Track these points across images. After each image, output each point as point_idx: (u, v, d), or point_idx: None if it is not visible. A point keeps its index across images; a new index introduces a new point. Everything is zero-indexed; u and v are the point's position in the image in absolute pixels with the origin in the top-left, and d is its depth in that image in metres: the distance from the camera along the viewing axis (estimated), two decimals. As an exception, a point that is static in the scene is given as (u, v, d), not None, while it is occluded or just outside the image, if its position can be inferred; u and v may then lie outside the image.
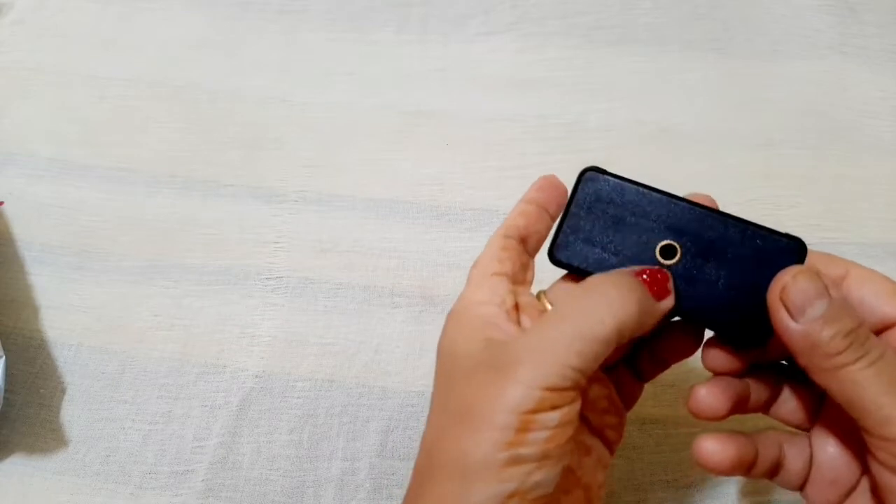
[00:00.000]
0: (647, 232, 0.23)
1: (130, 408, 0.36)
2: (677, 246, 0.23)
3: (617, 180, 0.24)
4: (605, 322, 0.21)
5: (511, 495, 0.20)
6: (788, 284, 0.21)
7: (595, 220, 0.24)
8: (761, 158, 0.44)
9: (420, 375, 0.37)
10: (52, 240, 0.42)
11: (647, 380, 0.27)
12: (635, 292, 0.21)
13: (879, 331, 0.22)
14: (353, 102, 0.47)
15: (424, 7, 0.51)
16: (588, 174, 0.25)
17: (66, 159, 0.45)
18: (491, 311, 0.23)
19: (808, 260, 0.23)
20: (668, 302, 0.22)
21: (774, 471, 0.24)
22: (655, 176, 0.43)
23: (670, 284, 0.23)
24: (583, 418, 0.24)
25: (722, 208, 0.43)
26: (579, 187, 0.25)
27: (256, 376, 0.37)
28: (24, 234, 0.42)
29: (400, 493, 0.27)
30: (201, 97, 0.47)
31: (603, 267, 0.24)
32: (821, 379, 0.21)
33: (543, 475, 0.20)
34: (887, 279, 0.23)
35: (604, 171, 0.25)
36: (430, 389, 0.26)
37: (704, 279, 0.22)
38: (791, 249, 0.22)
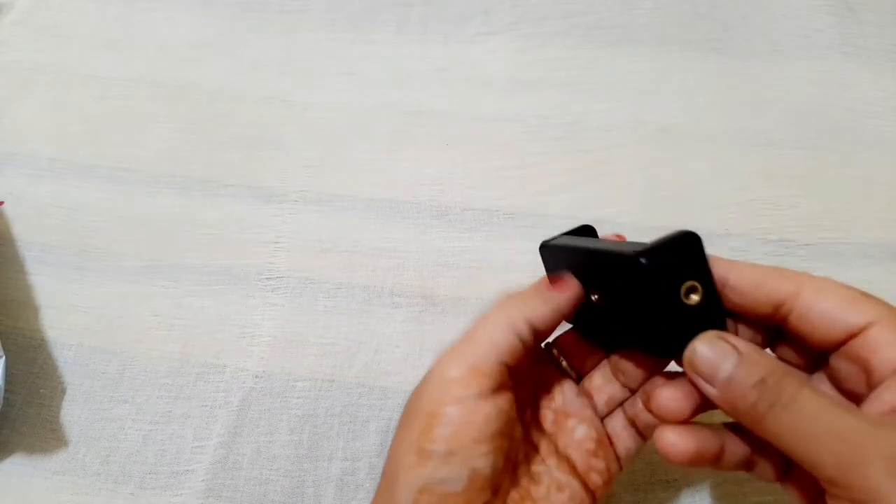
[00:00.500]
0: (583, 279, 0.26)
1: (130, 408, 0.36)
2: (598, 293, 0.25)
3: (557, 245, 0.28)
4: (476, 343, 0.24)
5: (420, 490, 0.21)
6: (691, 358, 0.22)
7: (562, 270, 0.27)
8: (761, 158, 0.44)
9: (420, 375, 0.37)
10: (52, 240, 0.42)
11: (646, 438, 0.27)
12: (493, 321, 0.24)
13: (845, 340, 0.22)
14: (353, 102, 0.47)
15: (424, 7, 0.51)
16: (541, 248, 0.29)
17: (67, 159, 0.45)
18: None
19: (758, 275, 0.23)
20: (561, 294, 0.25)
21: (749, 464, 0.24)
22: (655, 176, 0.43)
23: (566, 285, 0.25)
24: (564, 457, 0.26)
25: (721, 208, 0.43)
26: (543, 259, 0.29)
27: (256, 376, 0.37)
28: (24, 234, 0.42)
29: (400, 493, 0.27)
30: (201, 97, 0.47)
31: None
32: (757, 432, 0.21)
33: (447, 472, 0.21)
34: (843, 287, 0.22)
35: (547, 242, 0.28)
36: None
37: (622, 309, 0.24)
38: (639, 267, 0.22)
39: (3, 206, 0.43)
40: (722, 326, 0.23)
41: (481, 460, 0.22)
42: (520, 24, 0.50)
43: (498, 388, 0.23)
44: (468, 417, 0.22)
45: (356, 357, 0.38)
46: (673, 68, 0.48)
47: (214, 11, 0.51)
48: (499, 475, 0.23)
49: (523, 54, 0.49)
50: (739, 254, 0.40)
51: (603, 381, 0.28)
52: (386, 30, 0.50)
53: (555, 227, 0.41)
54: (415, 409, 0.23)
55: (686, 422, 0.23)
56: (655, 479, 0.34)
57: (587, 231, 0.28)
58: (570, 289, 0.25)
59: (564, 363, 0.28)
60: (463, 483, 0.22)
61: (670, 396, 0.23)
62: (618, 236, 0.27)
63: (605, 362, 0.28)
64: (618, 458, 0.27)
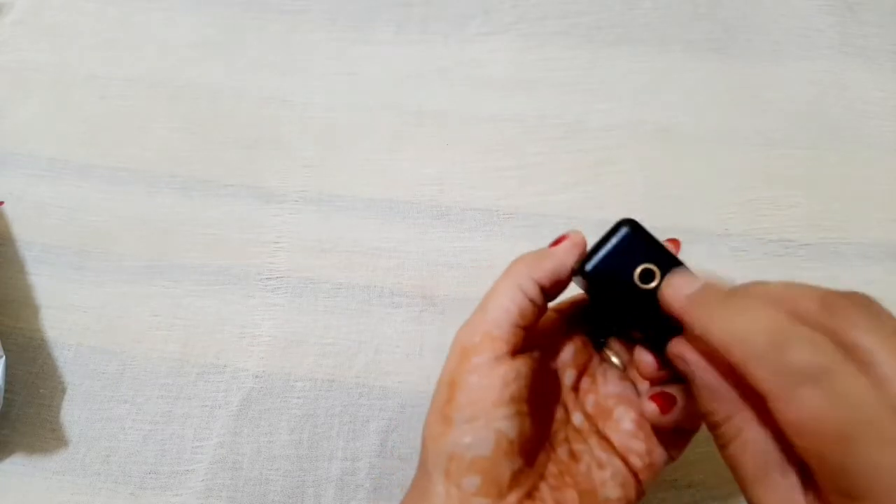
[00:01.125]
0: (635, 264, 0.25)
1: (130, 408, 0.36)
2: (655, 271, 0.24)
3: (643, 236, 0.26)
4: (486, 309, 0.25)
5: (450, 457, 0.23)
6: (666, 294, 0.23)
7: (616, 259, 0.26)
8: (762, 158, 0.44)
9: (420, 375, 0.37)
10: (53, 240, 0.42)
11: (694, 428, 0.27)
12: (502, 285, 0.25)
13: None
14: (354, 102, 0.47)
15: (425, 7, 0.51)
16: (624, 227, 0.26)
17: (67, 159, 0.45)
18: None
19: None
20: (561, 247, 0.26)
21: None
22: (655, 176, 0.43)
23: (566, 238, 0.26)
24: (604, 437, 0.27)
25: (721, 208, 0.43)
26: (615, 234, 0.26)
27: (256, 376, 0.37)
28: (25, 234, 0.42)
29: (400, 493, 0.27)
30: (201, 97, 0.47)
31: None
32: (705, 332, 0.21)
33: (473, 437, 0.22)
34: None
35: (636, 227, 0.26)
36: (431, 389, 0.26)
37: (614, 314, 0.26)
38: (587, 276, 0.24)
39: (3, 206, 0.43)
40: None
41: (504, 423, 0.23)
42: (520, 24, 0.50)
43: (514, 352, 0.24)
44: (486, 381, 0.23)
45: (356, 357, 0.38)
46: (673, 68, 0.48)
47: (214, 11, 0.51)
48: (528, 442, 0.24)
49: (523, 54, 0.49)
50: (739, 254, 0.40)
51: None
52: (386, 30, 0.50)
53: (555, 227, 0.41)
54: (439, 382, 0.25)
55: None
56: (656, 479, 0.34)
57: (631, 230, 0.26)
58: (570, 241, 0.26)
59: (613, 357, 0.29)
60: (490, 446, 0.23)
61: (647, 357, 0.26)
62: (672, 241, 0.27)
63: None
64: (665, 446, 0.27)
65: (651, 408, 0.25)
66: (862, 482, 0.17)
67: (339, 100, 0.47)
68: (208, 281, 0.40)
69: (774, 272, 0.39)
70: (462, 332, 0.25)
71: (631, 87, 0.47)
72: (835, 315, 0.19)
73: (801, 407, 0.18)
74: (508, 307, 0.24)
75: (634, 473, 0.26)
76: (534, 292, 0.25)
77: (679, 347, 0.22)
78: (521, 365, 0.24)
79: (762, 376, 0.18)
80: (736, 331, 0.19)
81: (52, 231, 0.42)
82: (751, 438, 0.20)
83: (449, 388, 0.24)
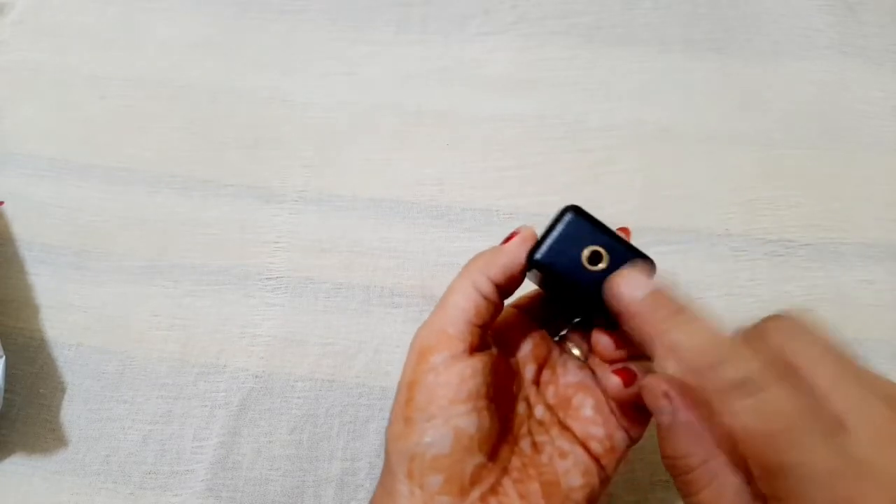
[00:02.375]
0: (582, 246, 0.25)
1: (130, 408, 0.36)
2: (602, 253, 0.25)
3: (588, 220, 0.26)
4: (442, 309, 0.25)
5: (411, 458, 0.23)
6: (614, 292, 0.24)
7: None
8: (762, 158, 0.44)
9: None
10: (53, 240, 0.42)
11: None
12: (456, 286, 0.26)
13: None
14: (354, 102, 0.47)
15: (425, 7, 0.51)
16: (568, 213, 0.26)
17: (67, 159, 0.45)
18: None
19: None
20: (512, 243, 0.26)
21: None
22: (655, 176, 0.43)
23: (516, 234, 0.26)
24: (565, 427, 0.27)
25: (721, 208, 0.43)
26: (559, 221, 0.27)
27: (256, 376, 0.37)
28: (25, 234, 0.42)
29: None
30: (201, 97, 0.47)
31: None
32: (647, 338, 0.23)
33: (432, 435, 0.23)
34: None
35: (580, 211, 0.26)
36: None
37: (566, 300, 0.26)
38: (538, 265, 0.24)
39: (4, 206, 0.43)
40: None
41: (462, 420, 0.23)
42: (520, 24, 0.50)
43: (471, 349, 0.25)
44: (443, 380, 0.24)
45: (356, 357, 0.38)
46: (673, 68, 0.48)
47: (214, 11, 0.51)
48: (489, 437, 0.25)
49: (523, 54, 0.49)
50: (739, 253, 0.40)
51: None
52: (386, 30, 0.50)
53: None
54: (399, 384, 0.25)
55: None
56: (655, 479, 0.34)
57: (575, 215, 0.26)
58: (520, 237, 0.26)
59: (574, 348, 0.29)
60: (449, 443, 0.23)
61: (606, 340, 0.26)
62: (622, 230, 0.28)
63: None
64: (625, 427, 0.27)
65: (614, 381, 0.26)
66: (786, 484, 0.18)
67: (339, 100, 0.47)
68: (208, 281, 0.40)
69: (774, 272, 0.39)
70: (420, 332, 0.26)
71: (631, 87, 0.47)
72: (768, 335, 0.20)
73: (737, 417, 0.19)
74: (464, 306, 0.25)
75: (596, 459, 0.26)
76: (488, 290, 0.25)
77: (663, 385, 0.22)
78: (479, 362, 0.25)
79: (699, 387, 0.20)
80: (680, 345, 0.21)
81: (52, 231, 0.42)
82: (727, 483, 0.21)
83: (408, 388, 0.24)
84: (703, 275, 0.39)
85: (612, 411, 0.27)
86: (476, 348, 0.25)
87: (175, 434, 0.36)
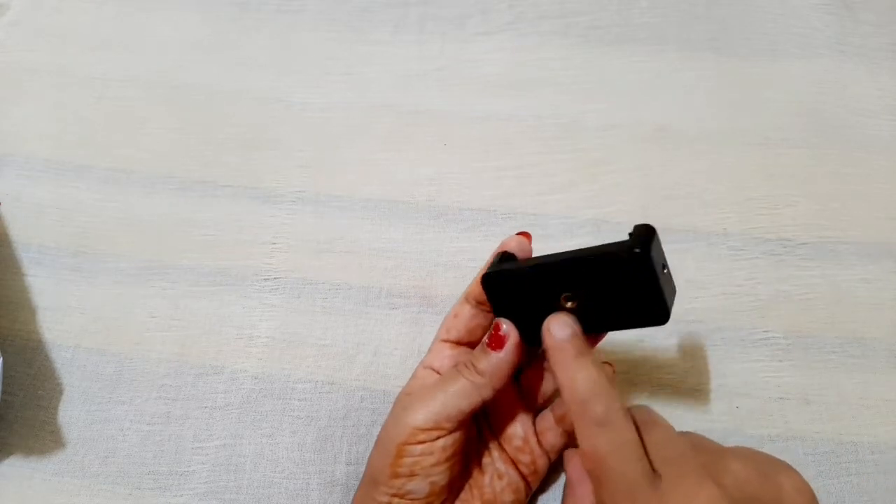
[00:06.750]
0: (548, 291, 0.28)
1: (129, 409, 0.36)
2: (570, 293, 0.28)
3: (510, 272, 0.29)
4: (444, 402, 0.28)
5: (393, 496, 0.28)
6: (545, 333, 0.28)
7: (511, 300, 0.30)
8: (760, 158, 0.44)
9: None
10: (50, 241, 0.42)
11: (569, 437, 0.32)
12: (459, 384, 0.29)
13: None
14: (351, 102, 0.47)
15: (422, 7, 0.51)
16: (485, 279, 0.30)
17: (64, 160, 0.45)
18: (427, 373, 0.32)
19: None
20: (504, 352, 0.29)
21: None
22: (653, 176, 0.43)
23: (507, 339, 0.29)
24: (503, 450, 0.32)
25: (719, 207, 0.43)
26: (489, 294, 0.30)
27: (255, 377, 0.37)
28: (22, 236, 0.42)
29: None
30: (199, 97, 0.47)
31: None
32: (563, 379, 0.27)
33: (413, 486, 0.28)
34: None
35: (492, 271, 0.30)
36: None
37: (599, 302, 0.27)
38: (628, 259, 0.26)
39: (0, 207, 0.43)
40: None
41: (439, 476, 0.28)
42: (517, 24, 0.50)
43: (455, 429, 0.28)
44: (429, 450, 0.28)
45: (355, 359, 0.37)
46: (671, 68, 0.48)
47: (212, 11, 0.51)
48: (454, 481, 0.29)
49: (521, 54, 0.49)
50: (738, 253, 0.40)
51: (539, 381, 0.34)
52: (383, 30, 0.50)
53: (553, 227, 0.41)
54: (389, 437, 0.29)
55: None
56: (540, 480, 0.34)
57: (508, 258, 0.31)
58: (511, 342, 0.29)
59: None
60: (425, 492, 0.28)
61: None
62: (523, 234, 0.32)
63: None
64: (546, 452, 0.32)
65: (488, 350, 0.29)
66: (604, 497, 0.25)
67: (337, 100, 0.47)
68: (206, 282, 0.40)
69: (773, 271, 0.39)
70: (415, 408, 0.28)
71: (628, 87, 0.47)
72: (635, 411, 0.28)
73: (589, 442, 0.25)
74: (460, 405, 0.28)
75: (525, 479, 0.31)
76: (488, 395, 0.28)
77: (575, 458, 0.29)
78: (459, 434, 0.28)
79: (576, 414, 0.26)
80: (573, 380, 0.26)
81: (49, 232, 0.42)
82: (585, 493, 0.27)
83: (396, 454, 0.28)
84: (702, 274, 0.39)
85: (537, 440, 0.32)
86: (460, 426, 0.28)
87: (174, 435, 0.36)
